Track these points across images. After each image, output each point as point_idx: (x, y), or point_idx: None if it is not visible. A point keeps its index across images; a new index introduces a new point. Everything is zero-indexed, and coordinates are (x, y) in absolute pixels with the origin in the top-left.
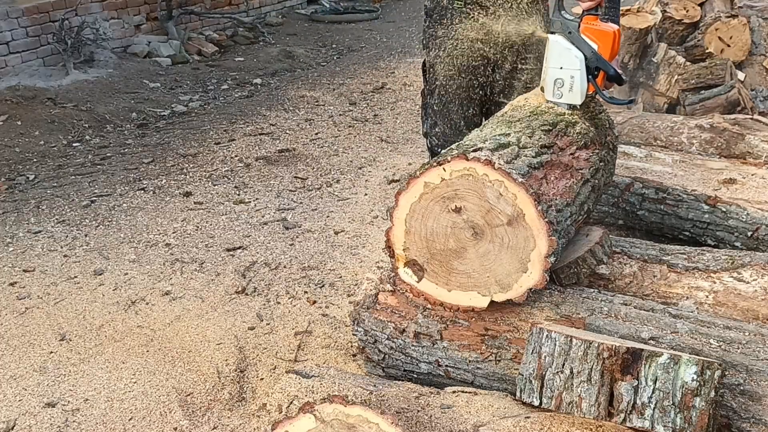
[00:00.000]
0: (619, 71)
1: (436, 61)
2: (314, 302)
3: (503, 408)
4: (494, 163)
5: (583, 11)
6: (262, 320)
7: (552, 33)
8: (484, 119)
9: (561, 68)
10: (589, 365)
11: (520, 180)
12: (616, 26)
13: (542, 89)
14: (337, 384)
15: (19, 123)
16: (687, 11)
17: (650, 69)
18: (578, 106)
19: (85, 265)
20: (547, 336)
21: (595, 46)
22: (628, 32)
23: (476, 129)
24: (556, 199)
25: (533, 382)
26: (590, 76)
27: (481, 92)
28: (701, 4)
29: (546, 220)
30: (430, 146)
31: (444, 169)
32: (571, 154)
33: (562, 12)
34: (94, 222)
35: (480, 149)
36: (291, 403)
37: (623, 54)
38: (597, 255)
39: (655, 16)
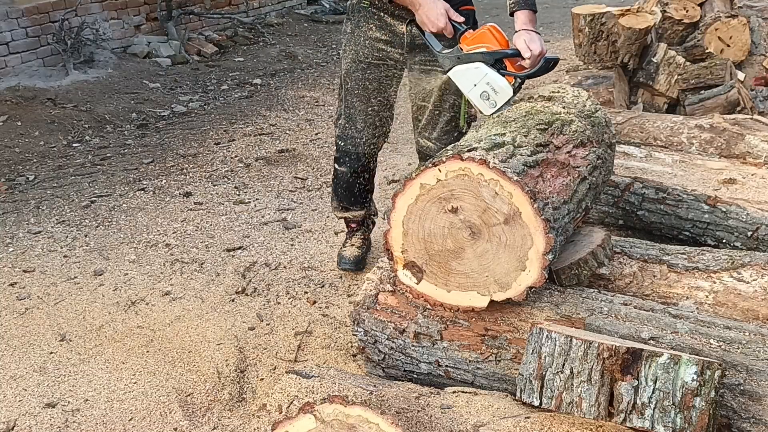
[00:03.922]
0: (520, 49)
1: (344, 55)
2: (314, 302)
3: (503, 408)
4: (489, 162)
5: (458, 36)
6: (262, 320)
7: (448, 70)
8: (386, 117)
9: (475, 85)
10: (589, 365)
11: (515, 178)
12: (487, 25)
13: (481, 113)
14: (337, 384)
15: (19, 123)
16: (687, 11)
17: (650, 69)
18: (515, 99)
19: (85, 266)
20: (547, 336)
21: (483, 48)
22: (628, 32)
23: (471, 130)
24: (552, 197)
25: (533, 382)
26: (500, 70)
27: (378, 91)
28: (701, 4)
29: (542, 217)
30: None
31: (439, 169)
32: (568, 152)
33: (441, 49)
34: (94, 222)
35: (475, 149)
36: (291, 403)
37: (623, 54)
38: (598, 257)
39: (654, 16)
